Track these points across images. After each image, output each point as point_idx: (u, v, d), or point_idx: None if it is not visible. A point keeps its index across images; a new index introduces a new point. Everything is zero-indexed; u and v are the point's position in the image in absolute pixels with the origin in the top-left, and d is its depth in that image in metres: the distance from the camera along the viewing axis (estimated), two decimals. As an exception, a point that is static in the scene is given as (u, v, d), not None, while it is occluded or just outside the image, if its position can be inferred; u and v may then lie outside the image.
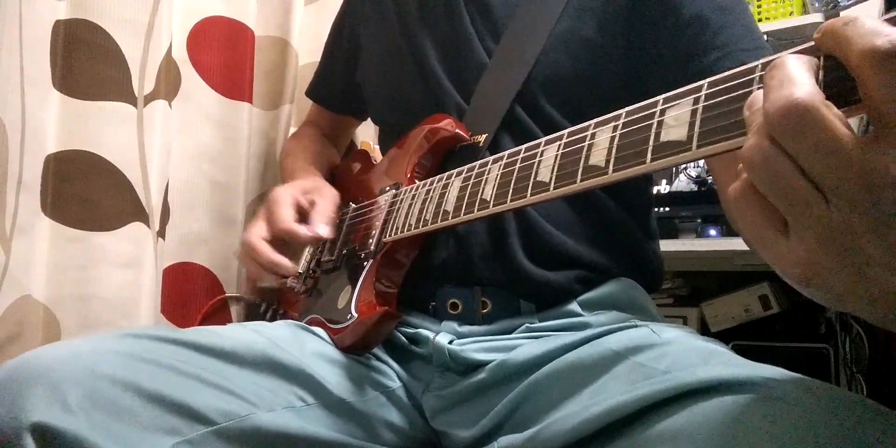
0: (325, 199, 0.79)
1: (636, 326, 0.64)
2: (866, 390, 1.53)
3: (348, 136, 1.11)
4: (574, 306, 0.67)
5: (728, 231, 1.54)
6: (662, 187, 1.59)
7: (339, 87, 0.99)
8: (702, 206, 1.52)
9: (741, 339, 1.52)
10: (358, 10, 0.93)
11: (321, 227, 0.75)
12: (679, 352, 0.54)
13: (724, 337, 1.39)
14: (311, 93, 1.04)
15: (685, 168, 1.58)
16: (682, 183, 1.58)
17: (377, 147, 0.98)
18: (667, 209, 1.54)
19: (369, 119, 1.03)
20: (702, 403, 0.44)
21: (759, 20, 1.52)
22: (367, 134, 1.17)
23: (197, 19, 0.97)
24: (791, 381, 0.43)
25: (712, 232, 1.49)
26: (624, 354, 0.56)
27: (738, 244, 1.31)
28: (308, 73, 1.07)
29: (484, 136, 0.71)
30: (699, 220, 1.53)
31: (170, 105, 0.90)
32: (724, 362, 0.50)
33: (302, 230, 0.74)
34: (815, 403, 0.40)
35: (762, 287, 1.58)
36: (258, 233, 0.76)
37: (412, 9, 0.82)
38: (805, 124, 0.28)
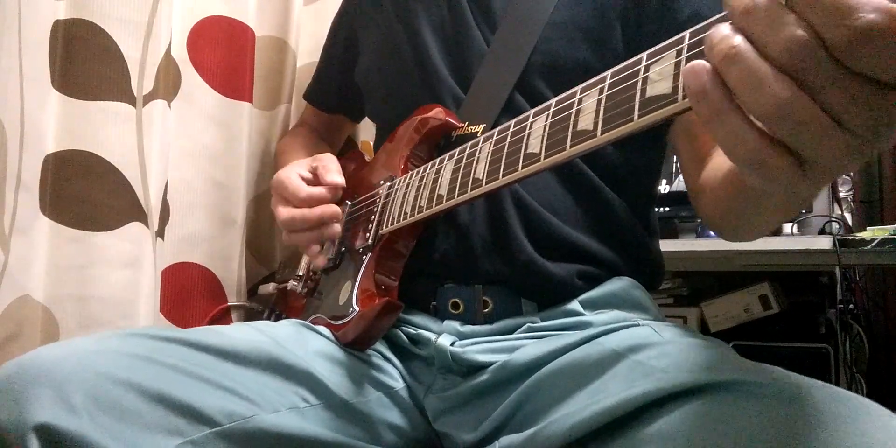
0: (323, 159, 0.80)
1: (638, 325, 0.64)
2: (866, 390, 1.53)
3: (342, 138, 1.11)
4: (575, 305, 0.67)
5: (728, 231, 1.53)
6: (662, 187, 1.59)
7: (335, 88, 0.99)
8: (702, 207, 1.52)
9: (741, 339, 1.51)
10: (356, 9, 0.93)
11: (332, 176, 0.76)
12: (679, 351, 0.54)
13: (724, 337, 1.39)
14: (308, 95, 1.04)
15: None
16: (683, 183, 1.58)
17: (377, 147, 0.98)
18: (667, 209, 1.53)
19: (369, 119, 1.03)
20: (698, 403, 0.44)
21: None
22: (367, 134, 1.16)
23: (197, 19, 0.96)
24: (788, 382, 0.44)
25: (712, 232, 1.49)
26: (624, 353, 0.56)
27: (737, 244, 1.30)
28: (307, 74, 1.07)
29: (482, 126, 0.71)
30: (699, 220, 1.53)
31: (169, 105, 0.90)
32: (722, 362, 0.50)
33: (317, 190, 0.75)
34: (812, 405, 0.40)
35: (762, 287, 1.58)
36: (287, 210, 0.75)
37: (409, 1, 0.82)
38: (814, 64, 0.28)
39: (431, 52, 0.77)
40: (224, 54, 0.98)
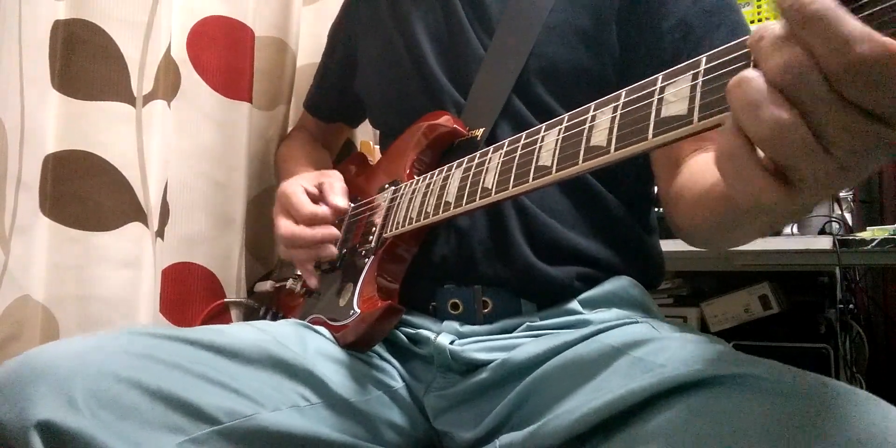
0: (331, 177, 0.81)
1: (636, 323, 0.64)
2: (866, 390, 1.53)
3: (340, 142, 1.12)
4: (575, 305, 0.67)
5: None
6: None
7: (334, 99, 1.00)
8: (702, 207, 1.51)
9: (741, 339, 1.51)
10: (354, 18, 0.93)
11: (337, 199, 0.77)
12: (678, 346, 0.54)
13: (724, 337, 1.38)
14: (307, 106, 1.05)
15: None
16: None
17: (377, 147, 0.98)
18: (667, 209, 1.53)
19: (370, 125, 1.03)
20: (698, 397, 0.44)
21: (760, 20, 1.51)
22: (367, 133, 1.17)
23: (196, 19, 0.97)
24: (789, 375, 0.44)
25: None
26: (623, 350, 0.56)
27: (737, 244, 1.30)
28: (306, 74, 1.07)
29: (482, 130, 0.72)
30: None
31: (169, 105, 0.90)
32: (721, 356, 0.50)
33: (322, 209, 0.76)
34: (813, 397, 0.41)
35: (762, 287, 1.58)
36: (288, 225, 0.77)
37: (406, 7, 0.83)
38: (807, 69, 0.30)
39: (429, 60, 0.78)
40: (224, 54, 0.98)
